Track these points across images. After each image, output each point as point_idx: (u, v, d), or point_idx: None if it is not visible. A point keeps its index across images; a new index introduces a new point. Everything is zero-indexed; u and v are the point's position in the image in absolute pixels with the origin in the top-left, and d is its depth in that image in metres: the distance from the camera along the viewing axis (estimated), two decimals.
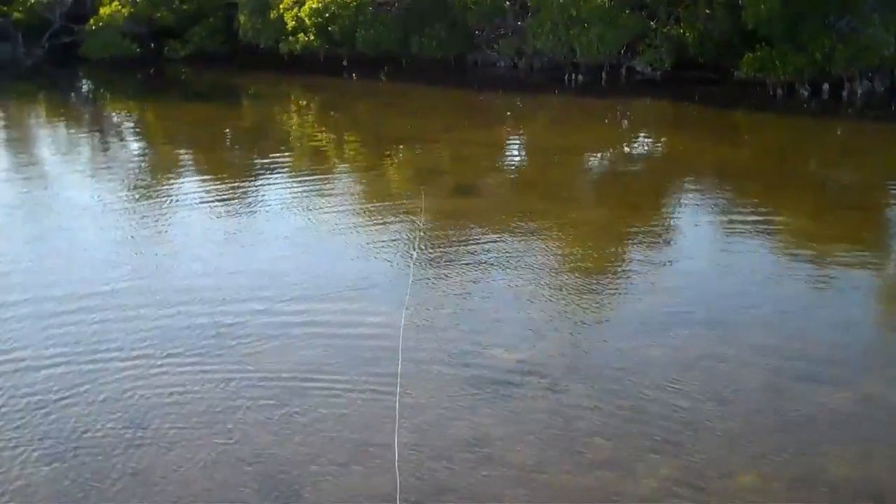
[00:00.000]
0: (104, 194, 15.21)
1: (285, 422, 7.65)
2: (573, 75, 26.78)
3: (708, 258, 11.78)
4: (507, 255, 11.68)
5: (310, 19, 29.28)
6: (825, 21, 23.75)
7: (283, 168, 17.66)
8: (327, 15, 29.18)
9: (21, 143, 20.79)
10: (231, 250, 12.14)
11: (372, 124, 22.35)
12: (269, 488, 6.76)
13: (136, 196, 15.28)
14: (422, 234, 12.40)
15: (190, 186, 15.96)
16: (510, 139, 21.20)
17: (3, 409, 7.89)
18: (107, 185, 16.03)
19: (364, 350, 8.91)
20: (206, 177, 16.77)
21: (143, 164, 18.44)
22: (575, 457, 7.10)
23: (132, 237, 12.78)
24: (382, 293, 10.35)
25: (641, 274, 11.06)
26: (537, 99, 25.32)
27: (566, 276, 11.06)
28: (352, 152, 19.58)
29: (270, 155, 18.77)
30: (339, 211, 13.92)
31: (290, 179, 16.49)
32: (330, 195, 15.14)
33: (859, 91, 23.45)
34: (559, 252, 11.96)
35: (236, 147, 20.56)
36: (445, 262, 11.51)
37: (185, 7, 32.83)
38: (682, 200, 14.92)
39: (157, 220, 13.69)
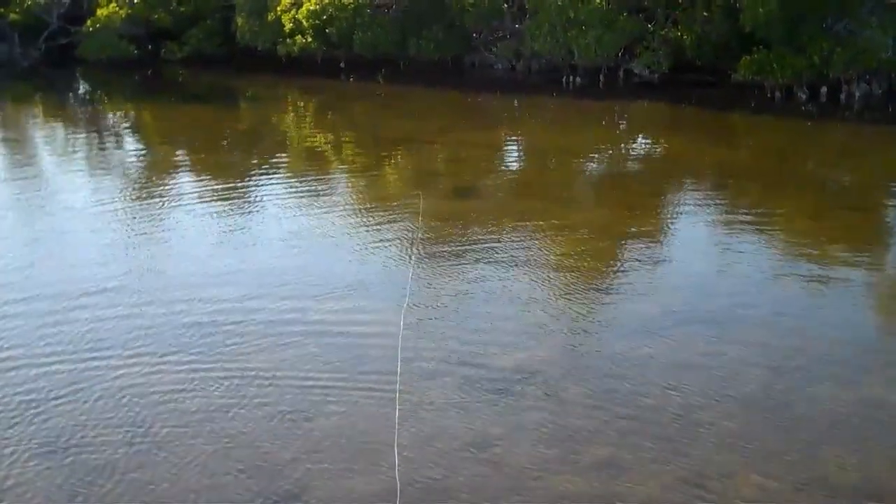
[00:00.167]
0: (101, 196, 15.15)
1: (284, 423, 7.61)
2: (571, 77, 26.78)
3: (706, 259, 11.75)
4: (506, 256, 11.65)
5: (307, 21, 29.27)
6: (823, 24, 23.79)
7: (280, 170, 17.62)
8: (325, 17, 29.17)
9: (17, 145, 20.73)
10: (228, 252, 12.09)
11: (369, 126, 22.31)
12: (267, 490, 6.71)
13: (133, 197, 15.23)
14: (420, 235, 12.37)
15: (187, 188, 15.91)
16: (508, 141, 21.18)
17: None
18: (103, 187, 15.97)
19: (363, 351, 8.87)
20: (203, 178, 16.73)
21: (139, 166, 18.39)
22: (575, 459, 7.06)
23: (129, 238, 12.73)
24: (381, 295, 10.31)
25: (640, 275, 11.03)
26: (535, 101, 25.31)
27: (565, 278, 11.02)
28: (349, 154, 19.54)
29: (268, 157, 18.74)
30: (336, 212, 13.88)
31: (288, 181, 16.45)
32: (327, 197, 15.11)
33: (857, 94, 23.46)
34: (558, 253, 11.93)
35: (234, 149, 20.51)
36: (444, 263, 11.47)
37: (182, 9, 32.84)
38: (680, 202, 14.89)
39: (153, 222, 13.64)
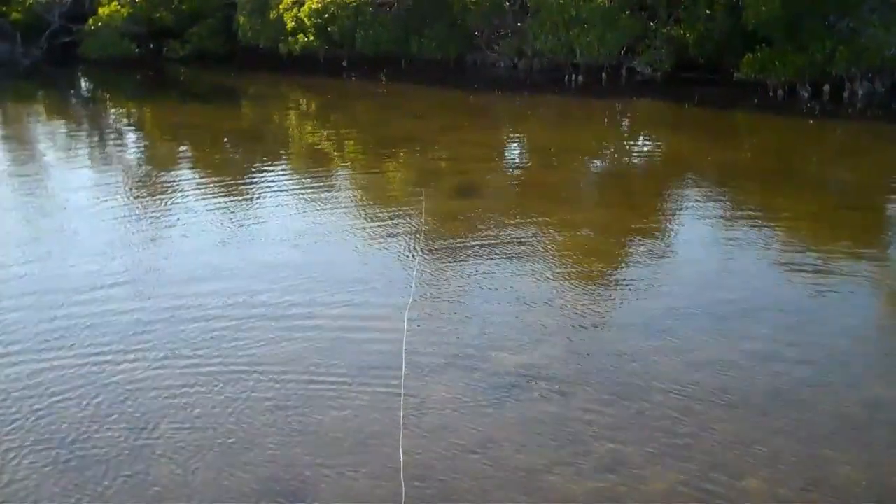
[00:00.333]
0: (102, 194, 15.13)
1: (288, 422, 7.61)
2: (573, 76, 26.76)
3: (709, 258, 11.75)
4: (510, 255, 11.64)
5: (309, 20, 29.24)
6: (825, 22, 23.75)
7: (282, 168, 17.62)
8: (327, 15, 29.15)
9: (19, 143, 20.72)
10: (230, 251, 12.08)
11: (371, 125, 22.30)
12: (271, 490, 6.71)
13: (135, 196, 15.23)
14: (424, 234, 12.36)
15: (189, 186, 15.90)
16: (510, 140, 21.17)
17: None
18: (105, 185, 15.95)
19: (367, 350, 8.87)
20: (205, 177, 16.71)
21: (141, 164, 18.38)
22: (581, 459, 7.06)
23: (130, 237, 12.72)
24: (385, 293, 10.31)
25: (643, 273, 11.02)
26: (537, 99, 25.29)
27: (568, 276, 11.01)
28: (351, 152, 19.53)
29: (270, 155, 18.74)
30: (339, 211, 13.88)
31: (290, 180, 16.44)
32: (330, 195, 15.11)
33: (860, 92, 23.42)
34: (561, 253, 11.92)
35: (235, 148, 20.50)
36: (448, 261, 11.46)
37: (184, 7, 32.78)
38: (682, 201, 14.88)
39: (155, 220, 13.63)
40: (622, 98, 24.95)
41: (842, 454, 7.13)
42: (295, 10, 29.66)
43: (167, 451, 7.23)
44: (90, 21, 31.81)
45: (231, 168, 17.86)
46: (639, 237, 12.54)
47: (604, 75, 26.51)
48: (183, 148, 20.17)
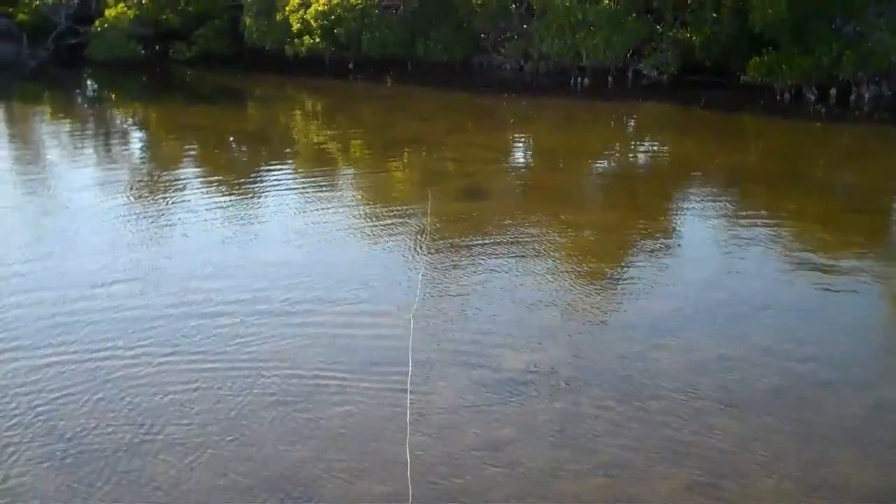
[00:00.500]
0: (107, 194, 15.14)
1: (292, 422, 7.58)
2: (579, 79, 26.75)
3: (716, 261, 11.72)
4: (515, 256, 11.63)
5: (315, 22, 29.29)
6: (832, 25, 23.74)
7: (288, 170, 17.62)
8: (333, 17, 29.20)
9: (24, 143, 20.77)
10: (234, 250, 12.07)
11: (377, 127, 22.31)
12: (277, 491, 6.68)
13: (140, 196, 15.24)
14: (430, 236, 12.35)
15: (194, 187, 15.91)
16: (516, 142, 21.16)
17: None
18: (110, 186, 15.95)
19: (374, 351, 8.85)
20: (210, 178, 16.73)
21: (146, 165, 18.41)
22: (587, 460, 7.03)
23: (134, 236, 12.71)
24: (391, 294, 10.29)
25: (650, 277, 11.00)
26: (543, 102, 25.29)
27: (575, 279, 10.99)
28: (358, 155, 19.54)
29: (276, 156, 18.75)
30: (345, 212, 13.87)
31: (296, 181, 16.44)
32: (335, 197, 15.11)
33: (867, 95, 23.40)
34: (567, 254, 11.90)
35: (241, 149, 20.53)
36: (454, 264, 11.45)
37: (190, 9, 32.86)
38: (688, 204, 14.86)
39: (160, 220, 13.64)
40: (628, 101, 24.93)
41: (846, 455, 7.10)
42: (301, 11, 29.72)
43: (168, 449, 7.20)
44: (97, 23, 31.91)
45: (236, 168, 17.88)
46: (644, 239, 12.52)
47: (610, 78, 26.51)
48: (188, 149, 20.19)
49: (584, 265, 11.49)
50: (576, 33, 25.73)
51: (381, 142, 20.19)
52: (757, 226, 13.12)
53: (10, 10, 33.73)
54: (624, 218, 13.71)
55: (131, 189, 15.76)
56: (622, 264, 11.66)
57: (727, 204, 14.63)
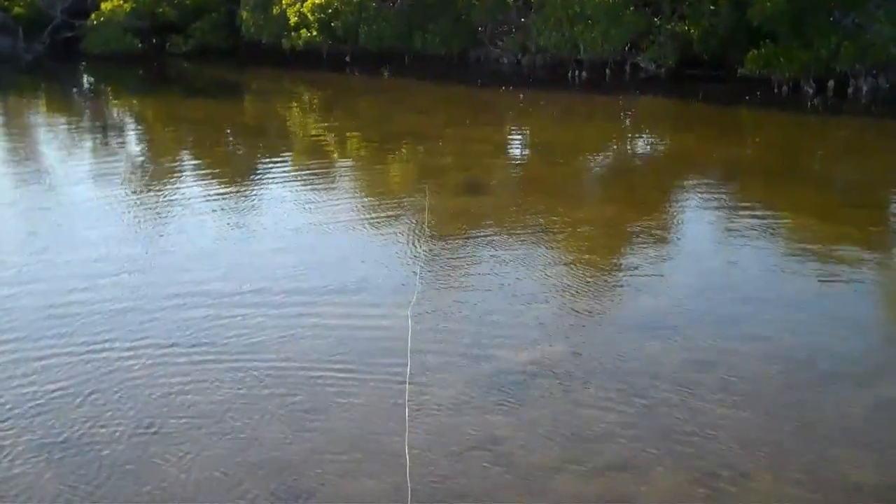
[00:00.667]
0: (104, 189, 15.11)
1: (291, 420, 7.55)
2: (577, 72, 26.70)
3: (715, 255, 11.71)
4: (514, 252, 11.59)
5: (313, 15, 29.22)
6: (830, 17, 23.70)
7: (285, 164, 17.56)
8: (330, 11, 29.15)
9: (21, 138, 20.69)
10: (230, 245, 12.03)
11: (375, 120, 22.25)
12: (274, 489, 6.65)
13: (136, 191, 15.18)
14: (427, 230, 12.31)
15: (190, 181, 15.88)
16: (514, 136, 21.13)
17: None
18: (107, 181, 15.91)
19: (372, 348, 8.81)
20: (207, 172, 16.69)
21: (143, 160, 18.35)
22: (587, 458, 7.00)
23: (131, 232, 12.68)
24: (389, 291, 10.26)
25: (648, 272, 10.98)
26: (541, 95, 25.22)
27: (574, 275, 10.96)
28: (355, 148, 19.48)
29: (272, 151, 18.69)
30: (341, 207, 13.82)
31: (293, 175, 16.39)
32: (332, 191, 15.06)
33: (864, 88, 23.38)
34: (566, 250, 11.87)
35: (238, 143, 20.47)
36: (452, 259, 11.42)
37: (187, 2, 32.76)
38: (687, 198, 14.83)
39: (156, 215, 13.59)
40: (626, 94, 24.89)
41: (848, 454, 7.07)
42: (298, 5, 29.65)
43: (164, 444, 7.16)
44: (93, 16, 31.81)
45: (233, 162, 17.83)
46: (643, 234, 12.50)
47: (608, 71, 26.46)
48: (184, 142, 20.14)
49: (583, 260, 11.47)
50: (573, 26, 25.68)
51: (378, 135, 20.14)
52: (755, 219, 13.09)
53: (6, 3, 33.61)
54: (622, 212, 13.68)
55: (127, 183, 15.71)
56: (621, 259, 11.64)
57: (725, 197, 14.61)
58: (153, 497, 6.58)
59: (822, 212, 13.63)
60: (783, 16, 23.01)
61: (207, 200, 14.26)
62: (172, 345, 8.88)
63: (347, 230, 12.69)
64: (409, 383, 8.00)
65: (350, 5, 28.85)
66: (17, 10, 33.49)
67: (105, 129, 21.99)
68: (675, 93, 24.28)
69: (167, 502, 6.53)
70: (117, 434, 7.33)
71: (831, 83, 23.40)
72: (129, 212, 13.68)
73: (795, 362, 8.58)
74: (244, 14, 30.84)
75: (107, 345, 8.88)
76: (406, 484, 6.57)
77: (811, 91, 23.48)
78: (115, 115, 24.92)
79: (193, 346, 8.86)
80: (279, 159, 17.92)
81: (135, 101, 26.79)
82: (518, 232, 12.46)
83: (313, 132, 21.89)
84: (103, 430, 7.38)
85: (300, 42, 29.29)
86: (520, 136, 21.15)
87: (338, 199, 14.37)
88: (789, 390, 8.07)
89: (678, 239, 12.49)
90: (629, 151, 19.40)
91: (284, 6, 29.82)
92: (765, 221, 13.03)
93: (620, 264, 11.45)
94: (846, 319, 9.60)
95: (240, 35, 31.53)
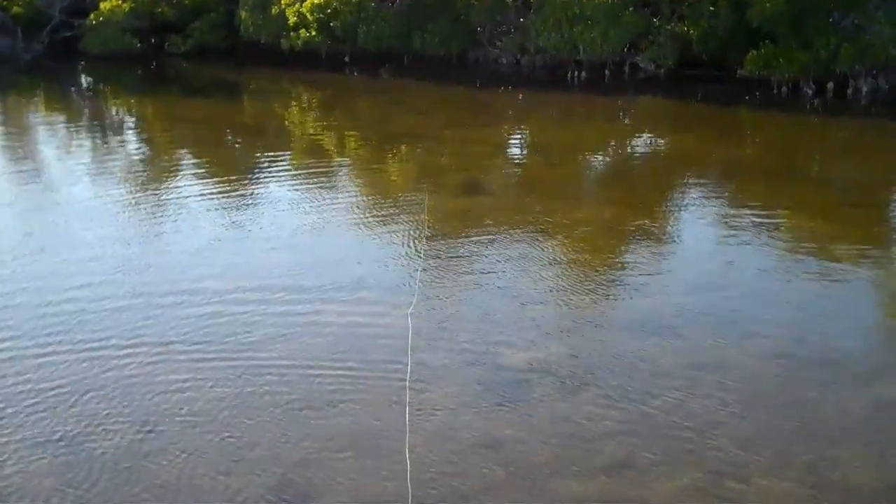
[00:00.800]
0: (102, 189, 15.07)
1: (290, 422, 7.52)
2: (576, 72, 26.67)
3: (715, 256, 11.68)
4: (513, 253, 11.57)
5: (311, 15, 29.19)
6: (830, 18, 23.68)
7: (284, 164, 17.53)
8: (329, 11, 29.11)
9: (19, 138, 20.66)
10: (228, 246, 11.99)
11: (373, 121, 22.22)
12: (272, 490, 6.62)
13: (134, 190, 15.15)
14: (427, 232, 12.28)
15: (189, 181, 15.84)
16: (513, 137, 21.10)
17: None
18: (105, 180, 15.90)
19: (371, 350, 8.78)
20: (205, 172, 16.66)
21: (142, 160, 18.31)
22: (588, 460, 6.98)
23: (128, 232, 12.63)
24: (388, 292, 10.22)
25: (648, 272, 10.95)
26: (540, 96, 25.20)
27: (574, 275, 10.94)
28: (354, 149, 19.46)
29: (271, 151, 18.65)
30: (340, 207, 13.79)
31: (292, 176, 16.37)
32: (331, 192, 15.02)
33: (864, 89, 23.35)
34: (566, 251, 11.84)
35: (237, 143, 20.45)
36: (451, 260, 11.39)
37: (185, 2, 32.71)
38: (686, 198, 14.80)
39: (154, 215, 13.56)
40: (625, 95, 24.87)
41: (849, 455, 7.05)
42: (297, 5, 29.62)
43: (162, 446, 7.12)
44: (91, 16, 31.77)
45: (231, 163, 17.78)
46: (642, 235, 12.47)
47: (607, 72, 26.42)
48: (183, 142, 20.09)
49: (582, 261, 11.45)
50: (573, 27, 25.64)
51: (377, 136, 20.10)
52: (754, 219, 13.07)
53: (5, 2, 33.57)
54: (622, 213, 13.65)
55: (125, 183, 15.67)
56: (621, 260, 11.61)
57: (724, 198, 14.59)
58: (148, 497, 6.54)
59: (821, 212, 13.62)
60: (783, 17, 22.98)
61: (205, 200, 14.24)
62: (169, 344, 8.84)
63: (346, 230, 12.66)
64: (409, 384, 7.97)
65: (349, 5, 28.81)
66: (15, 9, 33.45)
67: (103, 129, 21.96)
68: (674, 93, 24.26)
69: (162, 502, 6.49)
70: (112, 433, 7.29)
71: (831, 84, 23.37)
72: (126, 211, 13.65)
73: (795, 362, 8.56)
74: (243, 14, 30.81)
75: (103, 343, 8.85)
76: (406, 485, 6.54)
77: (811, 92, 23.45)
78: (114, 114, 24.88)
79: (190, 345, 8.83)
80: (278, 159, 17.88)
81: (133, 101, 26.75)
82: (517, 232, 12.43)
83: (312, 132, 21.86)
84: (99, 430, 7.35)
85: (299, 42, 29.25)
86: (519, 137, 21.12)
87: (337, 200, 14.33)
88: (789, 390, 8.05)
89: (677, 239, 12.47)
90: (628, 152, 19.38)
91: (283, 6, 29.78)
92: (764, 221, 13.01)
93: (620, 265, 11.43)
94: (846, 319, 9.58)
95: (238, 35, 31.49)
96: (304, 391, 8.01)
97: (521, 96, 25.10)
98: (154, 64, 31.47)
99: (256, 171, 16.85)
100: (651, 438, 7.25)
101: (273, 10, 30.03)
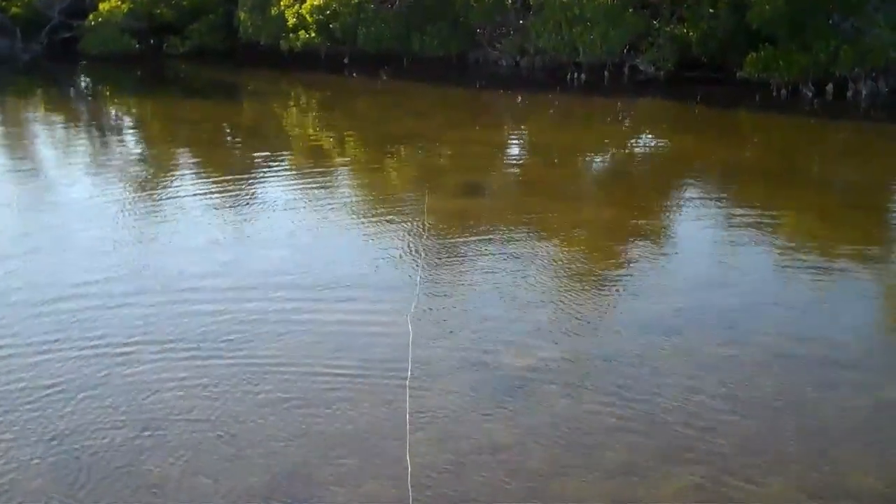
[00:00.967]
0: (99, 189, 15.05)
1: (290, 423, 7.49)
2: (575, 74, 26.65)
3: (714, 258, 11.66)
4: (513, 255, 11.55)
5: (311, 16, 29.17)
6: (829, 21, 23.66)
7: (283, 166, 17.51)
8: (328, 12, 29.09)
9: (18, 139, 20.63)
10: (228, 248, 11.96)
11: (373, 122, 22.20)
12: (273, 493, 6.59)
13: (133, 191, 15.12)
14: (427, 234, 12.26)
15: (187, 182, 15.81)
16: (512, 138, 21.09)
17: None
18: (102, 181, 15.87)
19: (372, 352, 8.74)
20: (204, 174, 16.63)
21: (141, 161, 18.27)
22: (590, 462, 6.95)
23: (127, 233, 12.60)
24: (389, 294, 10.18)
25: (648, 274, 10.93)
26: (539, 98, 25.19)
27: (574, 277, 10.91)
28: (353, 150, 19.44)
29: (270, 152, 18.62)
30: (339, 210, 13.75)
31: (291, 177, 16.34)
32: (330, 193, 15.01)
33: (863, 92, 23.33)
34: (566, 252, 11.81)
35: (236, 144, 20.43)
36: (451, 262, 11.37)
37: (184, 3, 32.69)
38: (686, 200, 14.78)
39: (153, 215, 13.54)
40: (624, 97, 24.86)
41: (851, 456, 7.03)
42: (296, 6, 29.60)
43: (160, 448, 7.09)
44: (90, 17, 31.75)
45: (230, 164, 17.75)
46: (642, 236, 12.45)
47: (606, 74, 26.40)
48: (182, 143, 20.07)
49: (582, 263, 11.42)
50: (572, 28, 25.63)
51: (376, 137, 20.09)
52: (754, 222, 13.06)
53: (4, 3, 33.56)
54: (621, 215, 13.63)
55: (123, 183, 15.65)
56: (621, 262, 11.59)
57: (724, 200, 14.57)
58: (145, 498, 6.50)
59: (820, 213, 13.61)
60: (782, 19, 22.98)
61: (204, 201, 14.21)
62: (168, 348, 8.80)
63: (346, 231, 12.64)
64: (410, 387, 7.93)
65: (348, 7, 28.80)
66: (14, 10, 33.44)
67: (102, 130, 21.93)
68: (673, 95, 24.24)
69: (158, 501, 6.46)
70: (109, 434, 7.26)
71: (830, 87, 23.36)
72: (124, 211, 13.61)
73: (795, 363, 8.54)
74: (242, 15, 30.78)
75: (101, 348, 8.81)
76: (406, 486, 6.51)
77: (810, 94, 23.44)
78: (113, 115, 24.86)
79: (189, 349, 8.79)
80: (276, 162, 17.85)
81: (132, 102, 26.72)
82: (517, 234, 12.41)
83: (311, 134, 21.85)
84: (96, 430, 7.32)
85: (298, 43, 29.23)
86: (518, 138, 21.11)
87: (336, 202, 14.30)
88: (789, 391, 8.02)
89: (677, 240, 12.45)
90: (628, 154, 19.36)
91: (282, 7, 29.76)
92: (763, 223, 13.00)
93: (619, 265, 11.41)
94: (846, 319, 9.56)
95: (237, 36, 31.46)
96: (304, 392, 7.97)
97: (520, 98, 25.09)
98: (153, 65, 31.44)
99: (255, 172, 16.83)
100: (651, 441, 7.21)
101: (272, 12, 30.00)
